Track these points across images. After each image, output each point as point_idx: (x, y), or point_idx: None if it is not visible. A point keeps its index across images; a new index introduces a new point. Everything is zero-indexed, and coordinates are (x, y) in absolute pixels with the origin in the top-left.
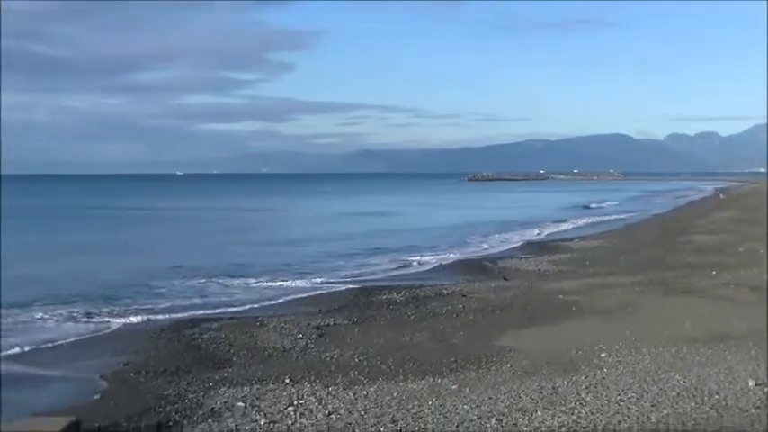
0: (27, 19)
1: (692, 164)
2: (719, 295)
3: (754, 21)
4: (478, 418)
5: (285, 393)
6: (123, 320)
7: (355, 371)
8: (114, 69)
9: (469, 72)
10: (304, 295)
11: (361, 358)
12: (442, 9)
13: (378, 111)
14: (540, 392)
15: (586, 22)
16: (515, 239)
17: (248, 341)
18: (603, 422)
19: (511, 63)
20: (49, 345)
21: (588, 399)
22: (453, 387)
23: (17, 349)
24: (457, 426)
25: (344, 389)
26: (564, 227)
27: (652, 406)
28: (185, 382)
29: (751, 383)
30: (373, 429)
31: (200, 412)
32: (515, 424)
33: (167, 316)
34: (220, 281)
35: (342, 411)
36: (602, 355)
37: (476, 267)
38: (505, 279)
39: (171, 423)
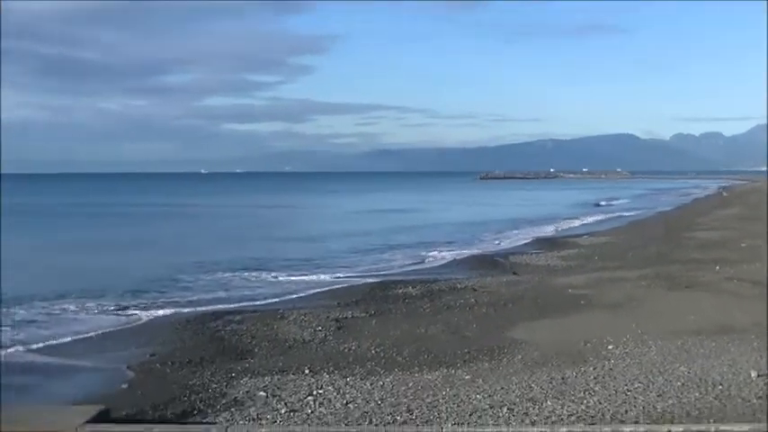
0: (64, 23)
1: (697, 163)
2: (723, 289)
3: (756, 22)
4: (491, 408)
5: (305, 383)
6: (150, 313)
7: (372, 362)
8: (142, 72)
9: (482, 74)
10: (323, 289)
11: (377, 350)
12: (457, 13)
13: (394, 111)
14: (550, 383)
15: (597, 28)
16: (526, 236)
17: (269, 333)
18: (611, 411)
19: (523, 66)
20: (80, 336)
21: (596, 389)
22: (467, 378)
23: (50, 341)
24: (470, 415)
25: (362, 379)
26: (573, 223)
27: (658, 396)
28: (209, 373)
29: (753, 374)
30: (390, 418)
31: (224, 401)
32: (526, 413)
33: (192, 309)
34: (243, 275)
35: (359, 401)
36: (610, 347)
37: (488, 263)
38: (515, 274)
39: (195, 412)
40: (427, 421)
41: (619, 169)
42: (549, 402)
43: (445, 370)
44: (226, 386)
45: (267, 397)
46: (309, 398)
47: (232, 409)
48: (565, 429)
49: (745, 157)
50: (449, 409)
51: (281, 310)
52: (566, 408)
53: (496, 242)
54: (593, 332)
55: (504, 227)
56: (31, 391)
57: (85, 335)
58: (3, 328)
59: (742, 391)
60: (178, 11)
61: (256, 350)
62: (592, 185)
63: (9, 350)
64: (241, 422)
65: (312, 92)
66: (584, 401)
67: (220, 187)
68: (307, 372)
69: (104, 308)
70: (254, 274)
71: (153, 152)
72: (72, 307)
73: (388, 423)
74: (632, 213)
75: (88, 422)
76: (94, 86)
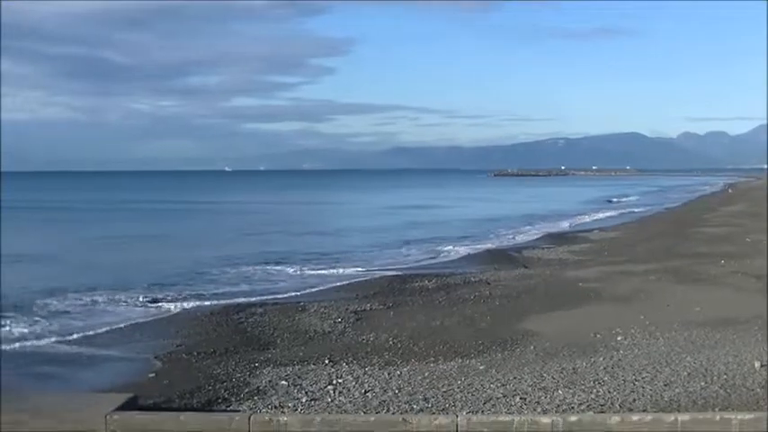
0: (97, 28)
1: (703, 161)
2: (728, 283)
3: (761, 26)
4: (504, 397)
5: (325, 373)
6: (177, 305)
7: (390, 352)
8: (169, 74)
9: (496, 75)
10: (342, 282)
11: (395, 341)
12: (472, 16)
13: (411, 112)
14: (562, 373)
15: (607, 30)
16: (538, 231)
17: (291, 325)
18: (620, 400)
19: (535, 67)
20: (110, 328)
21: (606, 379)
22: (481, 368)
23: (82, 333)
24: (484, 403)
25: (380, 369)
26: (584, 219)
27: (665, 385)
28: (233, 363)
29: (757, 365)
30: (407, 407)
31: (247, 390)
32: (538, 402)
33: (217, 301)
34: (265, 269)
35: (377, 390)
36: (619, 338)
37: (501, 257)
38: (526, 267)
39: (220, 400)
40: (443, 409)
41: (627, 167)
42: (560, 391)
43: (460, 360)
44: (249, 376)
45: (289, 386)
46: (329, 387)
47: (255, 398)
48: (575, 417)
49: (749, 155)
50: (464, 398)
51: (301, 303)
52: (576, 397)
53: (510, 237)
54: (602, 324)
55: (516, 222)
56: (65, 378)
57: (115, 326)
58: (38, 319)
59: (746, 381)
60: (203, 14)
61: (278, 341)
62: (601, 182)
63: (44, 341)
64: (264, 410)
65: (333, 92)
66: (594, 391)
67: (244, 184)
68: (327, 362)
69: (133, 300)
70: (275, 267)
71: (180, 150)
72: (103, 299)
73: (405, 411)
74: (641, 209)
75: (117, 410)
76: (124, 88)
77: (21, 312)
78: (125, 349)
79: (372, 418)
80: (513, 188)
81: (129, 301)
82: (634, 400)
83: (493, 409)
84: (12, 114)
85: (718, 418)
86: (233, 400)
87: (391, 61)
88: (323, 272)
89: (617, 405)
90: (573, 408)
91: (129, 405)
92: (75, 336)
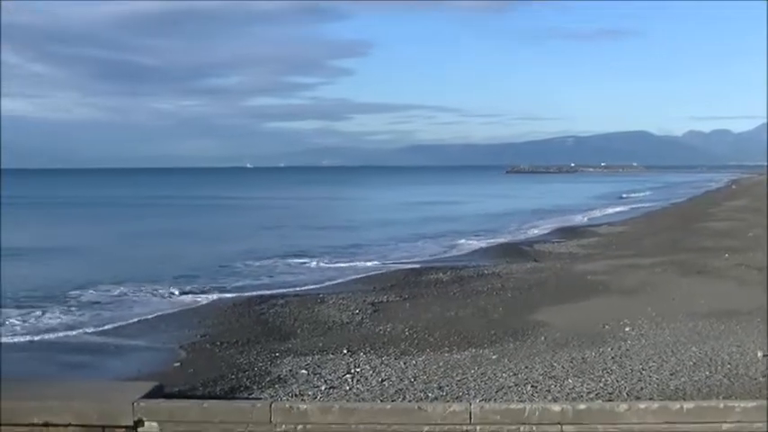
0: (125, 32)
1: (708, 157)
2: (731, 276)
3: (761, 24)
4: (516, 385)
5: (343, 362)
6: (201, 297)
7: (406, 342)
8: (192, 75)
9: (508, 76)
10: (360, 275)
11: (410, 331)
12: (484, 19)
13: (427, 111)
14: (571, 362)
15: (615, 32)
16: (549, 225)
17: (310, 316)
18: (628, 389)
19: (545, 67)
20: (138, 319)
21: (614, 368)
22: (493, 357)
23: (111, 324)
24: (496, 392)
25: (396, 359)
26: (594, 214)
27: (671, 374)
28: (255, 352)
29: (759, 354)
30: (422, 395)
31: (268, 379)
32: (549, 390)
33: (239, 294)
34: (286, 262)
35: (394, 378)
36: (627, 329)
37: (513, 250)
38: (537, 261)
39: (242, 388)
40: (457, 397)
41: (634, 164)
42: (569, 380)
43: (473, 350)
44: (270, 365)
45: (308, 375)
46: (347, 376)
47: (276, 386)
48: (584, 405)
49: (753, 152)
50: (477, 387)
51: (321, 295)
52: (585, 385)
53: (521, 231)
54: (610, 315)
55: (528, 217)
56: (94, 367)
57: (143, 317)
58: (71, 309)
59: (749, 370)
60: (225, 18)
61: (298, 332)
62: (610, 179)
63: (76, 331)
64: (284, 398)
65: (350, 92)
66: (603, 379)
67: (265, 180)
68: (345, 352)
69: (160, 292)
70: (295, 261)
71: (203, 148)
72: (131, 291)
73: (421, 399)
74: (649, 205)
75: (143, 397)
76: (150, 88)
77: (54, 303)
78: (151, 339)
79: (389, 406)
80: (526, 184)
81: (155, 292)
82: (641, 388)
83: (505, 398)
84: (52, 114)
85: (721, 405)
86: (255, 388)
87: (406, 62)
88: (341, 265)
89: (625, 393)
90: (582, 396)
91: (155, 393)
92: (105, 327)
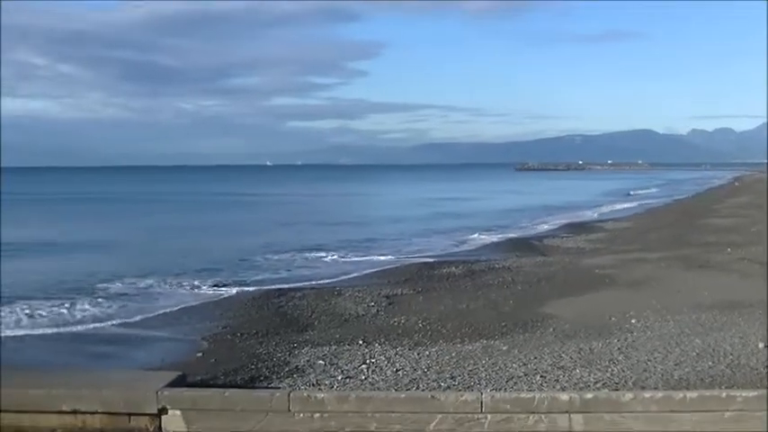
0: (148, 34)
1: (711, 155)
2: (734, 269)
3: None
4: (525, 375)
5: (359, 353)
6: (223, 290)
7: (419, 334)
8: (213, 76)
9: (518, 76)
10: (375, 269)
11: (424, 323)
12: (495, 21)
13: (440, 110)
14: (579, 353)
15: (621, 33)
16: (558, 221)
17: (327, 308)
18: (633, 379)
19: (552, 68)
20: (162, 311)
21: (620, 359)
22: (504, 348)
23: (137, 315)
24: (507, 381)
25: (410, 350)
26: (602, 210)
27: (675, 365)
28: (274, 343)
29: (761, 345)
30: (435, 384)
31: (287, 369)
32: (557, 380)
33: (259, 287)
34: (304, 256)
35: (407, 369)
36: (633, 321)
37: (523, 245)
38: (545, 255)
39: (261, 378)
40: (468, 387)
41: (640, 161)
42: (577, 370)
43: (484, 341)
44: (288, 355)
45: (325, 365)
46: (363, 366)
47: (294, 376)
48: (591, 395)
49: (755, 150)
50: (488, 376)
51: (337, 288)
52: (592, 375)
53: (531, 227)
54: (617, 308)
55: (537, 213)
56: (121, 357)
57: (167, 309)
58: (99, 300)
59: (750, 361)
60: (244, 20)
61: (316, 323)
62: (617, 176)
63: (104, 323)
64: (302, 387)
65: (366, 93)
66: (609, 370)
67: (284, 177)
68: (361, 343)
69: (183, 285)
70: (313, 255)
71: (224, 147)
72: (155, 284)
73: (434, 389)
74: (655, 201)
75: (167, 386)
76: (172, 89)
77: (83, 294)
78: (175, 331)
79: (403, 395)
80: (535, 181)
81: (179, 285)
82: (646, 378)
83: (515, 387)
84: (78, 113)
85: (723, 395)
86: (274, 377)
87: (420, 63)
88: (357, 259)
89: (630, 383)
90: (589, 386)
91: (178, 382)
92: (131, 318)
